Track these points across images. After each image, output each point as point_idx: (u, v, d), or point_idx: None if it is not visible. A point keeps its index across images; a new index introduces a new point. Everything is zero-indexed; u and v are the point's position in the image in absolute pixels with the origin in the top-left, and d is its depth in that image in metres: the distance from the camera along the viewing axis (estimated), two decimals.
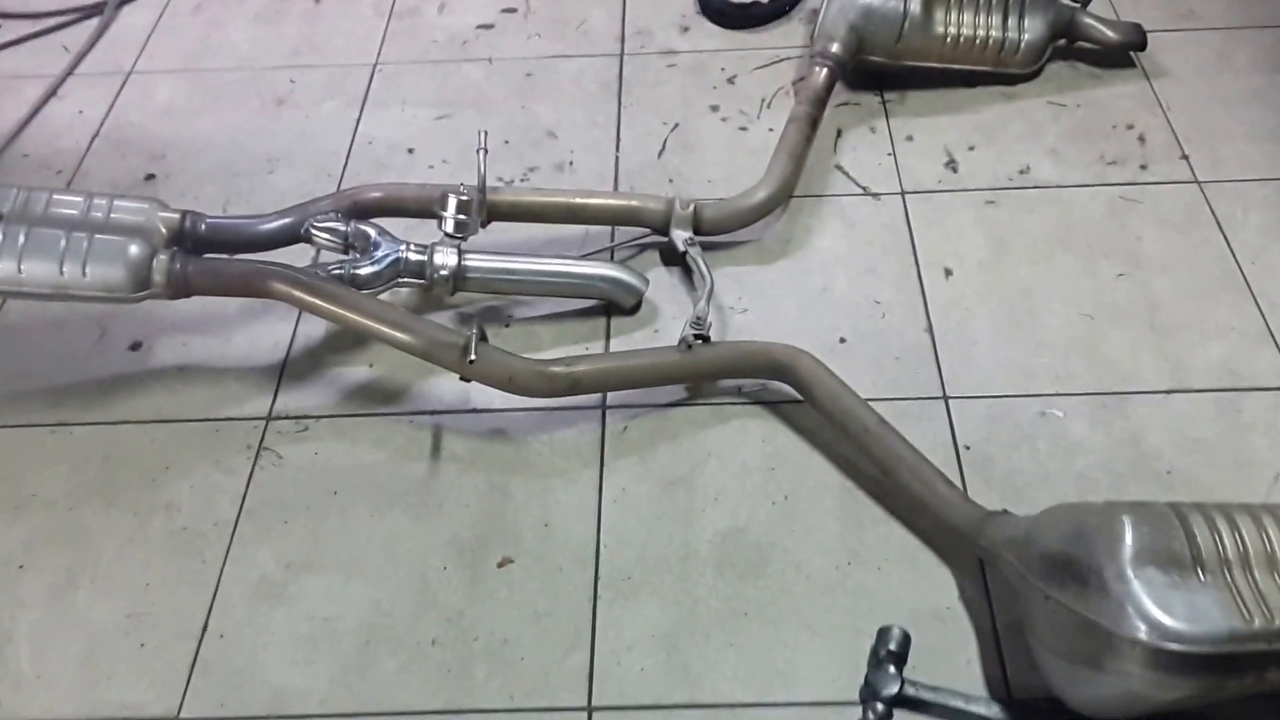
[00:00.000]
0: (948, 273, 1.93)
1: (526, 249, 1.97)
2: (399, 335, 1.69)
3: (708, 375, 1.77)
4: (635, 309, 1.90)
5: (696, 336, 1.72)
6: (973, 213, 2.03)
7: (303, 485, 1.70)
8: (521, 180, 2.15)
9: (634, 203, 1.97)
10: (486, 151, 1.86)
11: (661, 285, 1.94)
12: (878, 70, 2.27)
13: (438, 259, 1.80)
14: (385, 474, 1.70)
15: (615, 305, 1.90)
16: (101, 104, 2.40)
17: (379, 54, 2.46)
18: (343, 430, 1.76)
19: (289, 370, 1.86)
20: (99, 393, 1.84)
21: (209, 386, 1.84)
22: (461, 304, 1.92)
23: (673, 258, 1.96)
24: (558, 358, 1.70)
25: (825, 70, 2.15)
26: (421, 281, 1.82)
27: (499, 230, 1.93)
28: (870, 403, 1.65)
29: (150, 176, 2.22)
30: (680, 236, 1.94)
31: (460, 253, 1.81)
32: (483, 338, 1.69)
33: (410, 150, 2.23)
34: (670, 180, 2.13)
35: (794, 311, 1.89)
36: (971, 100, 2.24)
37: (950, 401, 1.74)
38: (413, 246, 1.81)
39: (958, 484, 1.60)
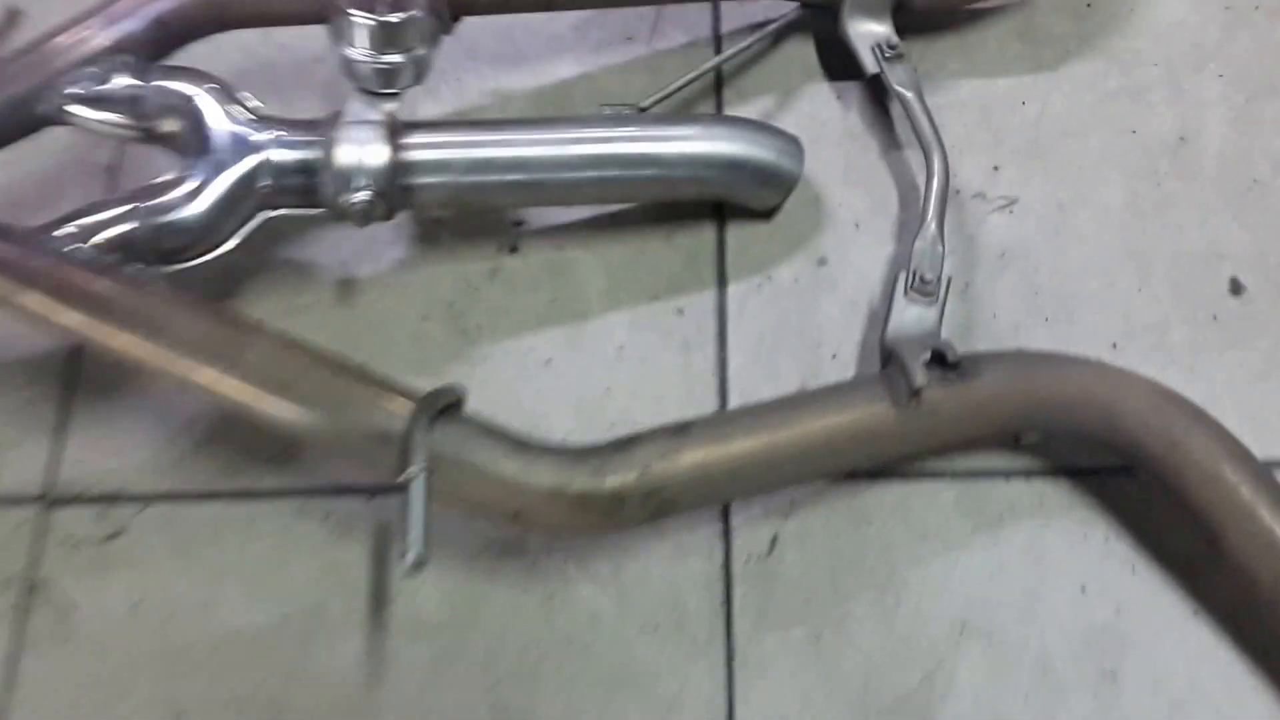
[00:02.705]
0: None
1: (533, 53, 0.94)
2: (264, 404, 0.73)
3: (956, 444, 0.79)
4: (776, 209, 0.89)
5: (936, 359, 0.74)
6: None
7: (112, 695, 0.80)
8: None
9: None
10: None
11: (828, 135, 0.92)
12: None
13: (344, 155, 0.79)
14: (272, 677, 0.80)
15: (738, 204, 0.88)
16: None
17: None
18: (189, 534, 0.85)
19: (87, 375, 0.90)
20: None
21: None
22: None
23: (841, 58, 0.90)
24: (618, 443, 0.73)
25: None
26: (313, 211, 0.82)
27: (476, 29, 0.89)
28: None
29: None
30: (866, 35, 0.89)
31: (394, 131, 0.80)
32: (451, 404, 0.72)
33: None
34: None
35: (1118, 202, 0.87)
36: None
37: None
38: (287, 131, 0.80)
39: None
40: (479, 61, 0.98)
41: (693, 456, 0.73)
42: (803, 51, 0.96)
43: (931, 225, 0.82)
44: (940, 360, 0.75)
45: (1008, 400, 0.76)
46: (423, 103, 0.95)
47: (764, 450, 0.74)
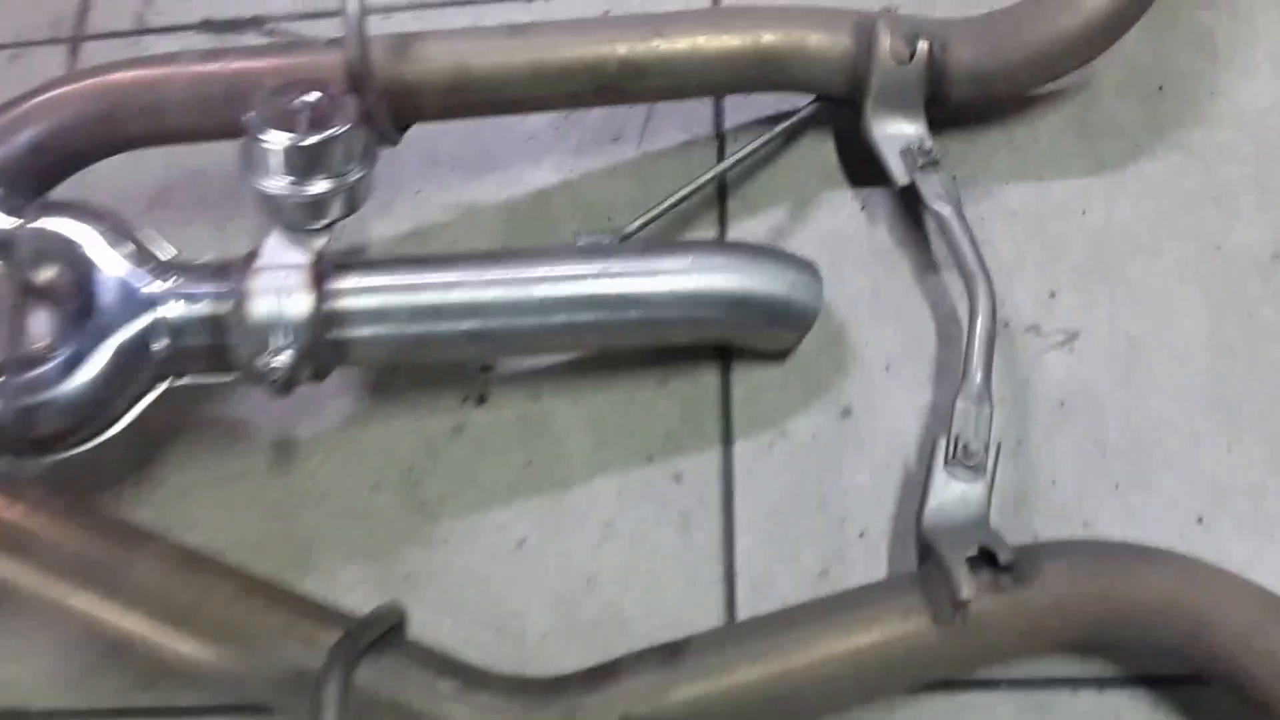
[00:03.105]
0: None
1: (504, 157, 0.80)
2: (153, 636, 0.59)
3: (1009, 659, 0.64)
4: (790, 350, 0.74)
5: (982, 557, 0.59)
6: None
7: None
8: None
9: (770, 38, 0.75)
10: None
11: (852, 254, 0.78)
12: None
13: (259, 308, 0.66)
14: None
15: (746, 346, 0.74)
16: None
17: None
18: None
19: None
20: None
21: None
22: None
23: (866, 158, 0.75)
24: (593, 673, 0.60)
25: None
26: (220, 377, 0.68)
27: (437, 131, 0.79)
28: None
29: None
30: (895, 138, 0.75)
31: (322, 274, 0.67)
32: (389, 628, 0.58)
33: None
34: None
35: (1201, 336, 0.71)
36: None
37: None
38: (190, 279, 0.66)
39: None
40: (440, 169, 0.84)
41: (686, 691, 0.59)
42: (820, 151, 0.81)
43: (976, 378, 0.67)
44: (990, 558, 0.60)
45: (1072, 610, 0.61)
46: (375, 220, 0.82)
47: (775, 680, 0.60)
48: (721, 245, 0.76)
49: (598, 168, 0.83)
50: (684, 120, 0.83)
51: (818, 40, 0.75)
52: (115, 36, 0.92)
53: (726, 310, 0.70)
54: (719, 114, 0.84)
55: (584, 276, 0.69)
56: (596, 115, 0.84)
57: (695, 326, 0.71)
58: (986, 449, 0.66)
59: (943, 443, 0.66)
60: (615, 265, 0.70)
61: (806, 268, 0.72)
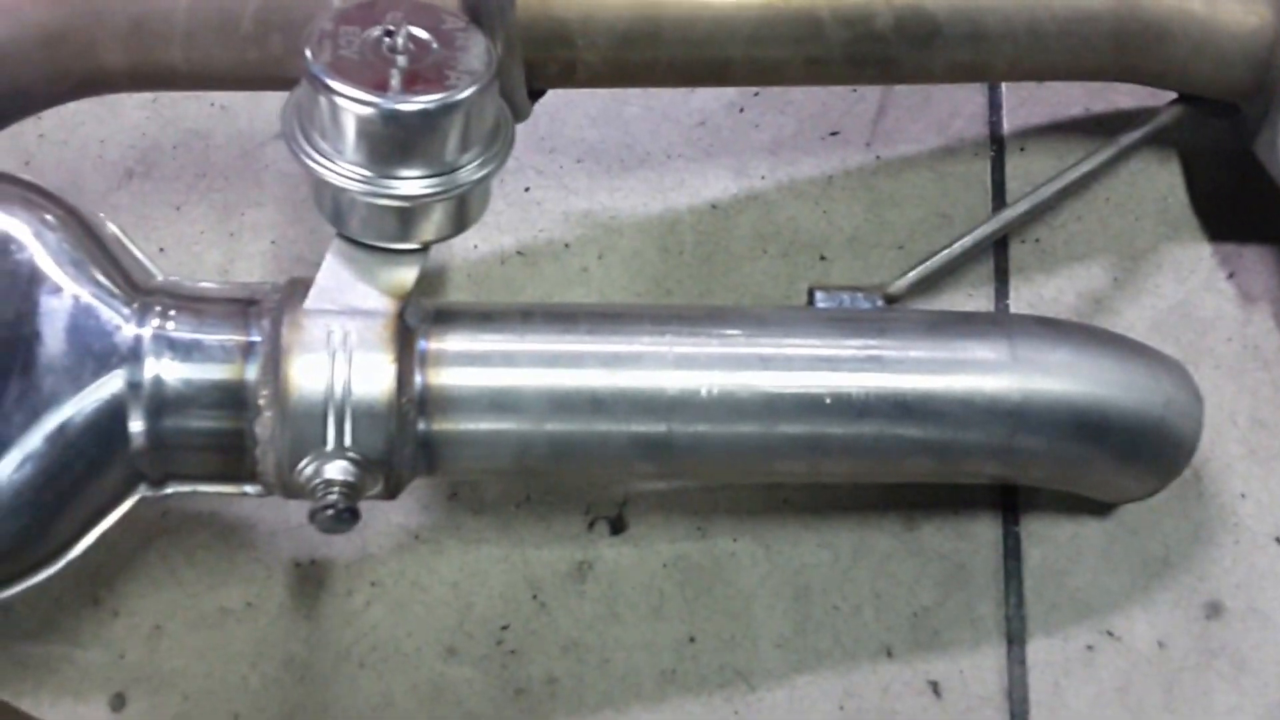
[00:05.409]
0: None
1: (657, 149, 0.52)
2: None
3: None
4: (1130, 501, 0.46)
5: None
6: None
7: None
8: None
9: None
10: None
11: (1214, 352, 0.51)
12: None
13: (303, 380, 0.41)
14: None
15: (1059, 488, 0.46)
16: None
17: None
18: None
19: None
20: None
21: None
22: None
23: (1234, 200, 0.47)
24: None
25: None
26: (232, 487, 0.39)
27: (560, 103, 0.51)
28: None
29: None
30: None
31: (410, 329, 0.39)
32: None
33: None
34: None
35: None
36: None
37: None
38: (189, 321, 0.40)
39: None
40: (563, 159, 0.57)
41: None
42: (1159, 181, 0.54)
43: None
44: None
45: None
46: None
47: None
48: (1058, 325, 0.47)
49: (802, 177, 0.56)
50: (939, 113, 0.57)
51: (1218, 9, 0.47)
52: None
53: (1067, 437, 0.44)
54: (995, 108, 0.56)
55: (840, 362, 0.42)
56: (802, 97, 0.57)
57: (1006, 459, 0.44)
58: None
59: None
60: (891, 348, 0.42)
61: (1180, 373, 0.45)
